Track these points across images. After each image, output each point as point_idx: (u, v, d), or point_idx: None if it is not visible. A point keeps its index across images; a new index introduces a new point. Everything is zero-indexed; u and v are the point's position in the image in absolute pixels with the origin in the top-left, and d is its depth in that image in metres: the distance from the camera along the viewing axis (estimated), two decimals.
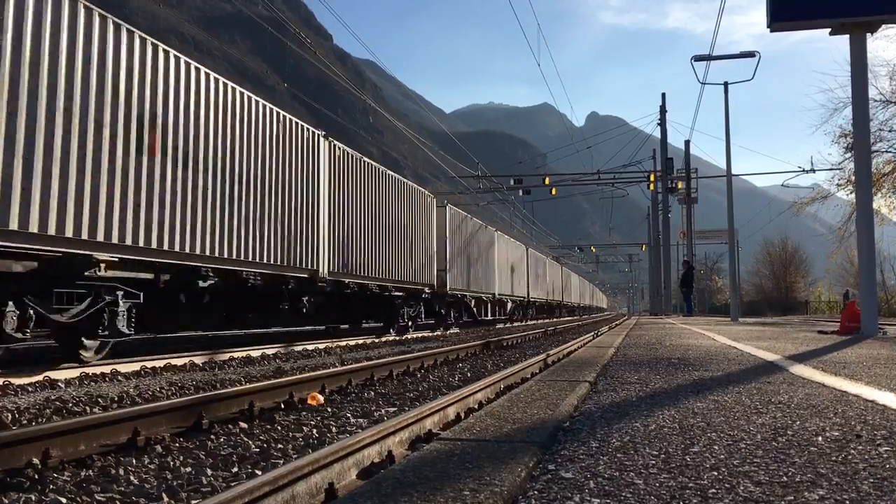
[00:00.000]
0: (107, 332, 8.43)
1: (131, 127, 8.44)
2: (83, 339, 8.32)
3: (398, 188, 17.40)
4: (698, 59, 20.40)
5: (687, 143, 32.05)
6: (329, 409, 5.56)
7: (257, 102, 11.21)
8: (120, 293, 8.49)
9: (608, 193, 36.44)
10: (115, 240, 8.06)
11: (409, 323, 18.46)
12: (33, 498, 3.04)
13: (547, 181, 33.83)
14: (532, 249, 37.49)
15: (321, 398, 6.04)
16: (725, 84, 21.86)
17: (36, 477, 3.35)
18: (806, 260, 67.59)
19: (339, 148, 14.12)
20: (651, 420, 2.63)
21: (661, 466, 1.89)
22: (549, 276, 42.65)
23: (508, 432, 2.36)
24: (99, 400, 5.90)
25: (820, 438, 2.27)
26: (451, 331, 21.73)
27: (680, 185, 32.46)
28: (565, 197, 38.83)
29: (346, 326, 17.23)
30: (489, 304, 26.81)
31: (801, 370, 4.52)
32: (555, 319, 42.73)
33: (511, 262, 30.51)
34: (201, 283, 9.79)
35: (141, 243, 8.46)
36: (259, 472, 3.40)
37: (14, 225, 6.82)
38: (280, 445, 4.08)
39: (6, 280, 6.99)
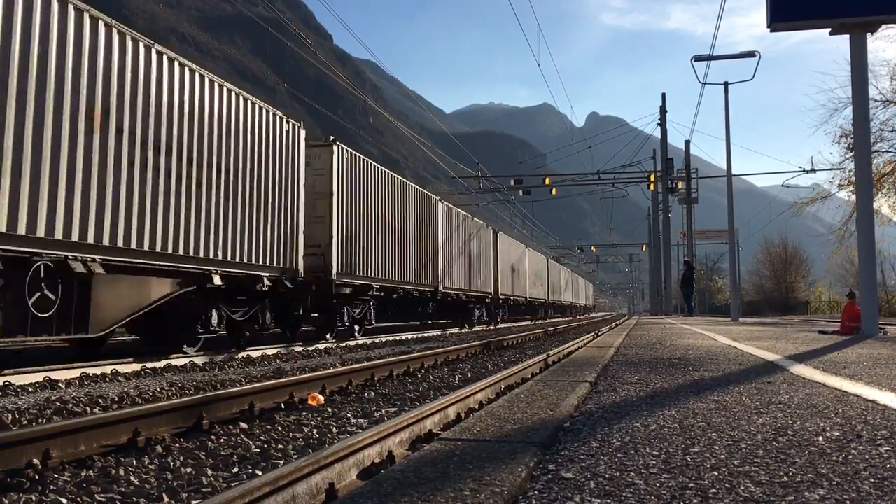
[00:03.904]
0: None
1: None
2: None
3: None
4: (698, 59, 20.40)
5: (687, 143, 32.03)
6: (329, 410, 5.56)
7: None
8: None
9: (608, 193, 36.43)
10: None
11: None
12: (34, 498, 3.04)
13: (547, 181, 33.82)
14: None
15: (321, 398, 6.04)
16: (725, 84, 21.86)
17: (36, 477, 3.35)
18: (806, 260, 67.52)
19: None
20: (651, 420, 2.63)
21: (662, 466, 1.89)
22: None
23: (509, 432, 2.36)
24: (99, 400, 5.91)
25: (820, 438, 2.27)
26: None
27: (680, 185, 32.42)
28: (565, 197, 38.83)
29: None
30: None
31: (801, 370, 4.52)
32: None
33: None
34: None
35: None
36: (259, 473, 3.40)
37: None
38: (280, 446, 4.08)
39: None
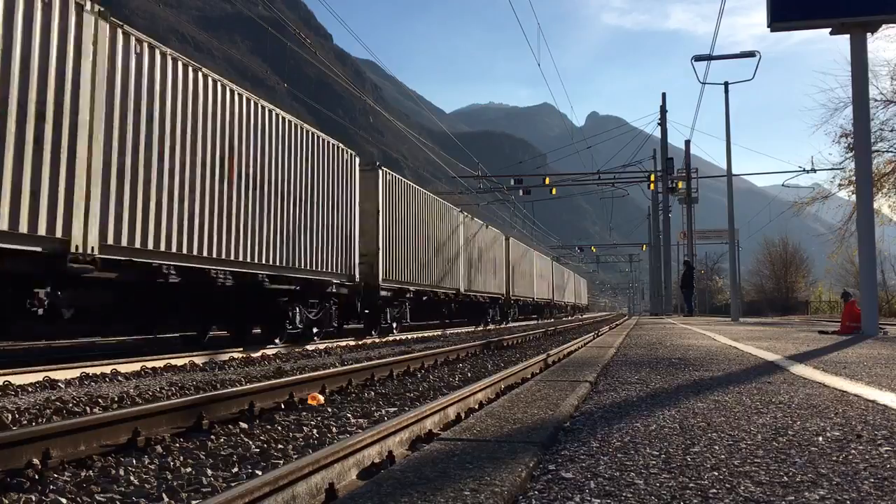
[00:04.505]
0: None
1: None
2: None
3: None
4: (699, 58, 20.39)
5: (687, 142, 32.03)
6: (329, 410, 5.56)
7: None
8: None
9: (608, 193, 36.39)
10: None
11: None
12: (33, 498, 3.04)
13: (547, 181, 33.78)
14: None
15: (321, 398, 6.04)
16: (726, 84, 21.85)
17: (36, 477, 3.35)
18: (806, 260, 67.50)
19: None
20: (652, 420, 2.63)
21: (662, 466, 1.89)
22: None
23: (509, 432, 2.35)
24: (99, 400, 5.90)
25: (820, 438, 2.27)
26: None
27: (680, 185, 32.41)
28: (565, 197, 38.76)
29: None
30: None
31: (801, 370, 4.52)
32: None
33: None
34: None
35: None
36: (259, 473, 3.40)
37: None
38: (280, 446, 4.08)
39: None
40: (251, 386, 5.77)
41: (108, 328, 11.10)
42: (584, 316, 63.46)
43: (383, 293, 16.32)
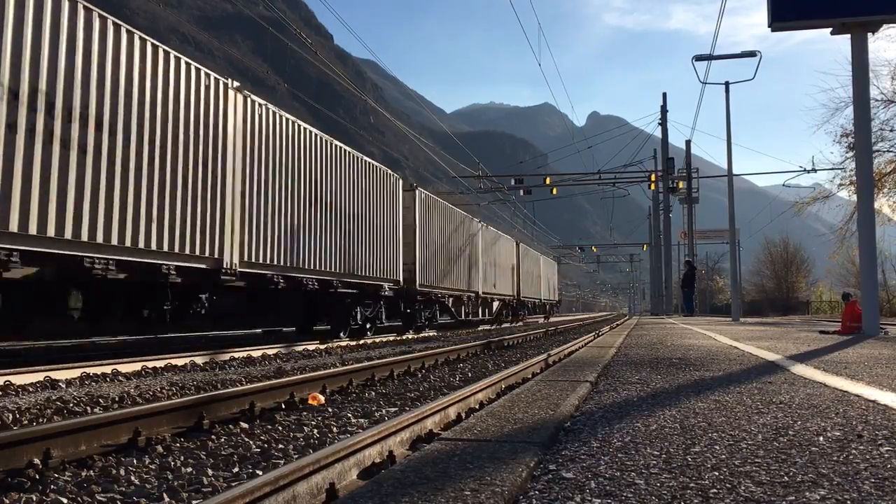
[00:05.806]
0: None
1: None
2: None
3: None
4: (699, 58, 20.38)
5: (688, 142, 32.03)
6: (330, 409, 5.56)
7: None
8: None
9: (609, 193, 36.36)
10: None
11: None
12: (34, 498, 3.04)
13: (548, 181, 33.75)
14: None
15: (322, 398, 6.04)
16: (726, 84, 21.82)
17: (37, 477, 3.35)
18: (807, 260, 67.40)
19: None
20: (652, 420, 2.63)
21: (663, 466, 1.89)
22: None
23: (509, 432, 2.35)
24: (100, 400, 5.90)
25: (821, 438, 2.27)
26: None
27: (681, 184, 32.41)
28: (566, 197, 38.71)
29: None
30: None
31: (802, 370, 4.52)
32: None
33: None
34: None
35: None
36: (260, 473, 3.40)
37: None
38: (281, 445, 4.08)
39: None
40: (252, 386, 5.77)
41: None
42: (551, 321, 38.31)
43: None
